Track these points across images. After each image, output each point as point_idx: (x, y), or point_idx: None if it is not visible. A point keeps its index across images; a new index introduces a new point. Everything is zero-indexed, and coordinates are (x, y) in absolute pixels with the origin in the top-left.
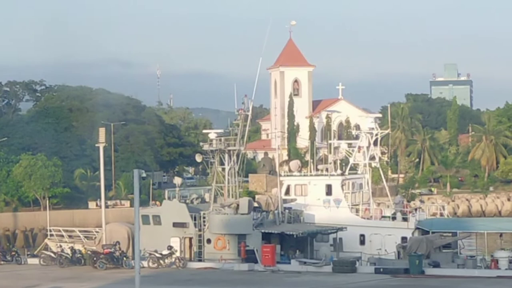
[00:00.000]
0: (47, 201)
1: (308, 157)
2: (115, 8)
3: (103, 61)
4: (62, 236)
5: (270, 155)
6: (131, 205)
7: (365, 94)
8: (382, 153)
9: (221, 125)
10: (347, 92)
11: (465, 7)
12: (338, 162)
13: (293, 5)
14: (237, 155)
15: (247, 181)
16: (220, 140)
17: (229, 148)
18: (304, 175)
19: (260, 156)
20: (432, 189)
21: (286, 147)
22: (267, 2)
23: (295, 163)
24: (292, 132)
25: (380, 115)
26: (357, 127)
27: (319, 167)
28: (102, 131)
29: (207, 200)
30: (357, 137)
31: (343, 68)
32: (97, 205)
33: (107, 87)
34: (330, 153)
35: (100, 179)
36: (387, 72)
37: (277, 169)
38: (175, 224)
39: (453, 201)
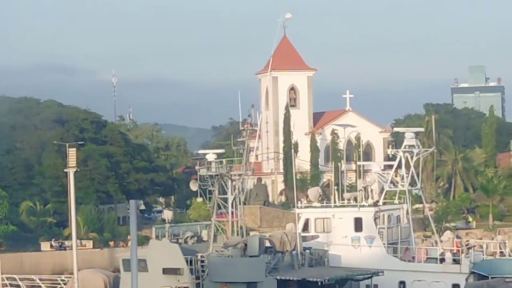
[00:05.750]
0: None
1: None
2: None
3: (38, 67)
4: (18, 286)
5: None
6: (94, 246)
7: (374, 104)
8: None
9: (191, 145)
10: (355, 102)
11: None
12: (370, 189)
13: None
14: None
15: None
16: (221, 163)
17: (233, 172)
18: (327, 206)
19: (250, 182)
20: (470, 220)
21: (282, 171)
22: None
23: (315, 191)
24: (289, 152)
25: (422, 130)
26: (370, 145)
27: (345, 195)
28: (72, 152)
29: (204, 239)
30: (367, 157)
31: (350, 72)
32: (51, 246)
33: (51, 98)
34: (359, 178)
35: (71, 213)
36: (399, 77)
37: (270, 199)
38: (166, 271)
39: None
